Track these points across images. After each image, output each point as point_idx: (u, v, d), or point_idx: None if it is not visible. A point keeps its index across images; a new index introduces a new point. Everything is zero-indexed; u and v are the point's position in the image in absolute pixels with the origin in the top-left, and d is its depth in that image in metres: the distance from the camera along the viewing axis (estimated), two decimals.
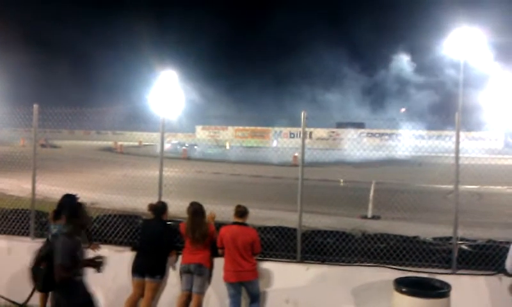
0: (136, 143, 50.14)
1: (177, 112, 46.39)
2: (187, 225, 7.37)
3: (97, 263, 5.74)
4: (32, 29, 76.34)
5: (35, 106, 8.82)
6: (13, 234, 8.94)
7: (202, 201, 7.62)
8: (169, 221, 7.93)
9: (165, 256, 7.50)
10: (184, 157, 35.35)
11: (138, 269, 7.38)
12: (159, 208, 7.67)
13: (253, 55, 79.28)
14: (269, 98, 67.24)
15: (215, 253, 7.43)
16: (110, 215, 8.79)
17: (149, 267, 7.34)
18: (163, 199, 8.12)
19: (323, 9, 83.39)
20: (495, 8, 58.60)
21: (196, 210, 7.41)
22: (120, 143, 47.77)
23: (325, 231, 8.21)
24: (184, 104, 58.96)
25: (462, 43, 57.45)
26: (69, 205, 6.35)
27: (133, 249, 7.77)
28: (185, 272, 7.35)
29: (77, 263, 5.56)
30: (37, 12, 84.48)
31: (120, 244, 8.27)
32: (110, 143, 49.63)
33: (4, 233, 9.01)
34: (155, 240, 7.43)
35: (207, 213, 7.62)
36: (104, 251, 7.83)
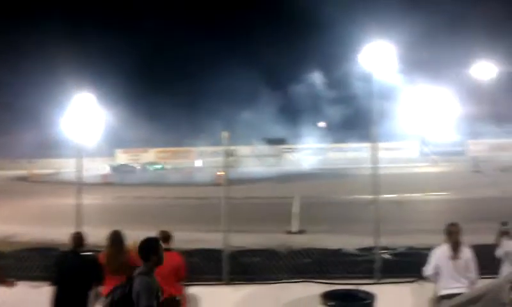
0: (52, 170, 48.17)
1: (94, 136, 45.05)
2: (105, 255, 7.06)
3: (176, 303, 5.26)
4: None
5: None
6: None
7: (125, 227, 7.34)
8: (90, 251, 7.57)
9: (85, 290, 7.12)
10: (105, 182, 34.31)
11: (58, 305, 6.97)
12: (76, 239, 7.29)
13: (172, 75, 78.59)
14: (191, 118, 66.77)
15: None
16: (26, 249, 8.31)
17: (69, 303, 6.95)
18: (84, 228, 7.76)
19: (239, 26, 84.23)
20: (403, 22, 61.69)
21: (114, 239, 7.11)
22: (34, 171, 45.79)
23: (251, 250, 8.15)
24: (101, 127, 57.52)
25: (374, 56, 60.03)
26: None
27: (52, 284, 7.32)
28: (110, 303, 7.02)
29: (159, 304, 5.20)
30: None
31: (37, 279, 7.80)
32: (24, 172, 47.41)
33: None
34: (74, 273, 7.06)
35: (129, 240, 7.35)
36: (21, 287, 7.37)
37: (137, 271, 5.24)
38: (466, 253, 6.49)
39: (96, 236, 8.11)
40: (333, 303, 6.13)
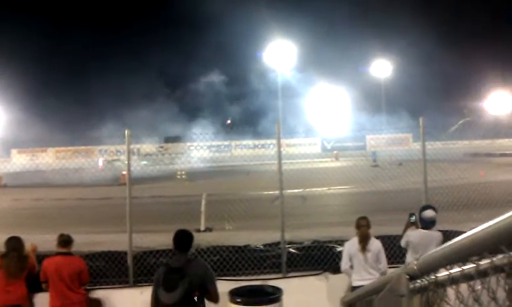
0: None
1: None
2: (5, 261, 6.63)
3: None
4: None
5: None
6: None
7: (22, 231, 6.93)
8: None
9: None
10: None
11: None
12: None
13: (70, 73, 75.27)
14: (93, 117, 64.45)
15: (37, 288, 6.77)
16: None
17: None
18: None
19: (139, 24, 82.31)
20: (305, 22, 63.49)
21: (11, 244, 6.70)
22: None
23: (157, 251, 7.97)
24: None
25: (277, 54, 61.32)
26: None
27: None
28: None
29: None
30: None
31: None
32: None
33: None
34: None
35: (27, 245, 6.94)
36: None
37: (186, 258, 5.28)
38: (376, 245, 6.76)
39: None
40: (240, 299, 6.13)
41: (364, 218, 6.84)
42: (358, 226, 6.79)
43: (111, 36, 76.53)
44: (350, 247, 6.79)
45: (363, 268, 6.67)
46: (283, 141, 8.21)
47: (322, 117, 64.17)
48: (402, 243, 6.96)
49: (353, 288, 6.43)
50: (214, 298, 5.29)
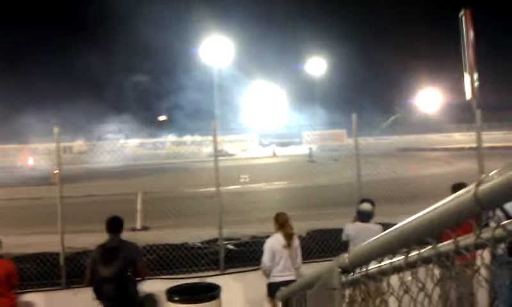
0: None
1: None
2: None
3: None
4: None
5: None
6: None
7: None
8: None
9: None
10: None
11: None
12: None
13: None
14: (20, 114, 61.84)
15: None
16: None
17: None
18: None
19: (68, 21, 79.88)
20: (243, 18, 63.71)
21: None
22: None
23: (91, 251, 7.76)
24: None
25: (215, 51, 61.12)
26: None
27: None
28: None
29: None
30: None
31: None
32: None
33: None
34: None
35: None
36: None
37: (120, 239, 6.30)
38: (296, 241, 6.87)
39: None
40: (178, 298, 6.08)
41: (285, 214, 6.91)
42: (282, 222, 6.80)
43: (38, 32, 73.84)
44: (274, 244, 6.77)
45: (285, 264, 6.70)
46: (221, 138, 8.20)
47: (259, 113, 64.53)
48: (343, 236, 7.08)
49: (274, 285, 6.29)
50: (143, 272, 6.35)
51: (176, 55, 68.84)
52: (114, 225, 6.36)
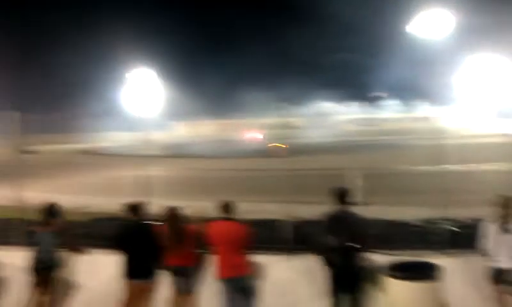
0: (112, 144, 49.68)
1: (152, 109, 45.81)
2: (165, 227, 7.28)
3: None
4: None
5: (16, 114, 8.63)
6: None
7: (185, 198, 7.50)
8: (150, 221, 7.77)
9: (153, 258, 7.33)
10: (166, 155, 34.82)
11: (130, 272, 7.22)
12: (136, 208, 7.47)
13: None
14: (239, 90, 66.53)
15: (203, 251, 7.33)
16: (95, 219, 8.66)
17: (140, 270, 7.20)
18: (149, 199, 7.98)
19: None
20: None
21: (170, 213, 7.31)
22: (99, 144, 47.30)
23: (314, 221, 8.13)
24: (158, 100, 58.40)
25: (431, 24, 57.97)
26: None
27: (121, 252, 7.54)
28: (173, 272, 7.26)
29: None
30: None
31: (107, 247, 8.10)
32: (90, 145, 49.01)
33: None
34: (141, 241, 7.28)
35: (190, 210, 7.51)
36: (93, 255, 7.76)
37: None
38: None
39: (160, 206, 8.35)
40: (399, 274, 6.10)
41: (509, 198, 6.36)
42: (506, 206, 6.31)
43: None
44: (496, 228, 6.33)
45: (506, 251, 6.22)
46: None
47: (483, 88, 59.59)
48: None
49: (497, 271, 6.14)
50: (367, 244, 6.41)
51: (388, 32, 67.16)
52: (343, 195, 6.59)
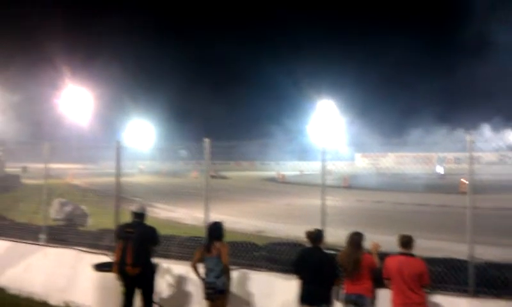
0: (297, 172, 51.22)
1: (336, 140, 46.41)
2: (343, 255, 7.36)
3: None
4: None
5: (207, 140, 9.38)
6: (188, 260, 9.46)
7: (364, 230, 7.51)
8: (329, 250, 7.91)
9: (329, 285, 7.44)
10: (345, 186, 35.07)
11: (306, 298, 7.38)
12: (316, 236, 7.65)
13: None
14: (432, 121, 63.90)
15: (378, 284, 7.27)
16: (275, 243, 9.06)
17: (317, 296, 7.32)
18: (325, 228, 8.15)
19: None
20: None
21: (352, 241, 7.37)
22: (282, 173, 49.07)
23: (499, 264, 7.57)
24: (342, 133, 58.91)
25: None
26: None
27: (298, 277, 7.76)
28: (348, 302, 7.30)
29: None
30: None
31: (285, 271, 8.39)
32: (273, 173, 51.08)
33: (181, 259, 9.49)
34: (317, 268, 7.42)
35: (370, 243, 7.51)
36: (271, 278, 8.14)
37: None
38: None
39: (336, 236, 8.48)
40: None
41: None
42: None
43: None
44: None
45: None
46: None
47: None
48: None
49: None
50: None
51: None
52: None
